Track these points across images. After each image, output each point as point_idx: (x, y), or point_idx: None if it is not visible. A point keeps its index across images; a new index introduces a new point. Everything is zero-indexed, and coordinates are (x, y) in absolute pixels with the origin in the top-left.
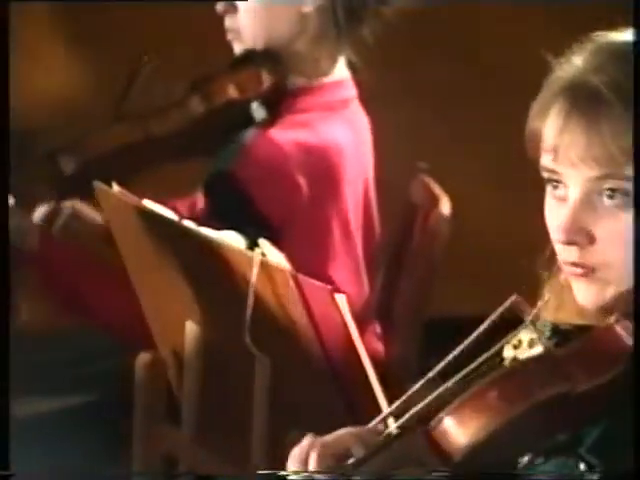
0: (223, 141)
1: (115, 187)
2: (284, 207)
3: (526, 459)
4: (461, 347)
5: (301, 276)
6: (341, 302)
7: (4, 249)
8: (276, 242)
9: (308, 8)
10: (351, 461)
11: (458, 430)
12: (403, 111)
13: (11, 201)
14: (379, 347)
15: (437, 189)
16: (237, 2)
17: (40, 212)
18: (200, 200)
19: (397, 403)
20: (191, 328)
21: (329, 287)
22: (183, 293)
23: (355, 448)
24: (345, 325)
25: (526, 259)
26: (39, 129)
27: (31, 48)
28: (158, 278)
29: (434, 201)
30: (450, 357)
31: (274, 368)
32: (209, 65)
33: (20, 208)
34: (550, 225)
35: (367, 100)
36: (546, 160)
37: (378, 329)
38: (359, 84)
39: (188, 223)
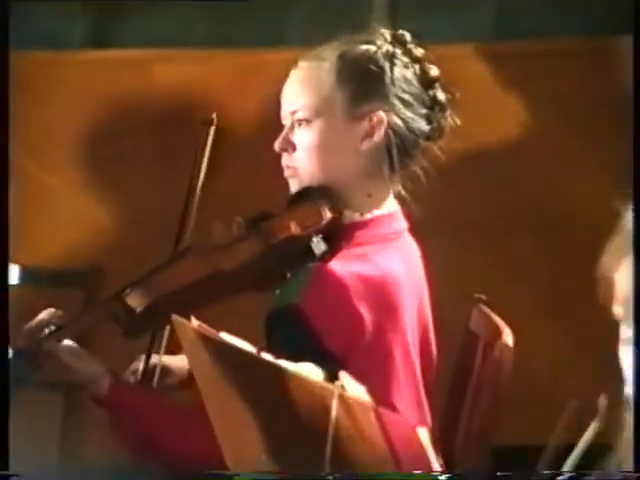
0: (283, 274)
1: (193, 320)
2: (347, 338)
3: None
4: None
5: (382, 409)
6: (423, 436)
7: None
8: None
9: (364, 147)
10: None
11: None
12: (452, 240)
13: (77, 344)
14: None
15: (498, 320)
16: (295, 141)
17: (133, 370)
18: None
19: None
20: (267, 462)
21: (411, 422)
22: (260, 424)
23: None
24: (427, 459)
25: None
26: (106, 267)
27: (94, 187)
28: (235, 408)
29: (496, 332)
30: None
31: None
32: (264, 200)
33: (87, 350)
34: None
35: (417, 231)
36: (618, 310)
37: (440, 460)
38: (408, 216)
39: (266, 355)
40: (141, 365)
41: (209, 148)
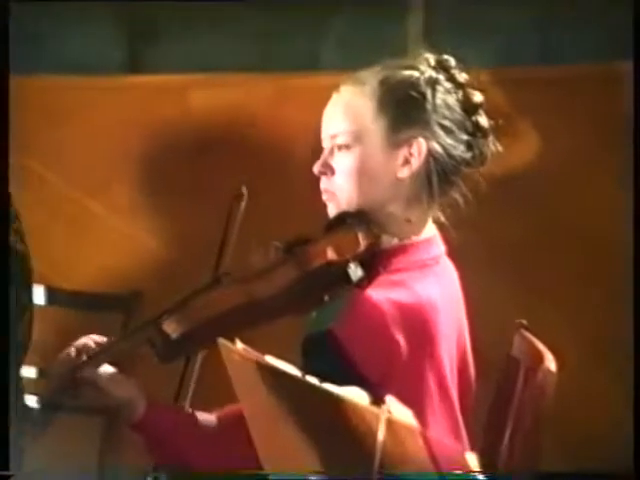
0: (321, 298)
1: (238, 343)
2: (382, 365)
3: None
4: None
5: (430, 434)
6: (472, 461)
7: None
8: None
9: (403, 174)
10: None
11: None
12: (490, 266)
13: (114, 368)
14: None
15: (540, 345)
16: (334, 165)
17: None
18: None
19: None
20: None
21: (460, 446)
22: (304, 447)
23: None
24: None
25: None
26: (145, 292)
27: (134, 212)
28: (279, 430)
29: (538, 357)
30: None
31: None
32: (302, 224)
33: (124, 374)
34: None
35: (455, 256)
36: None
37: None
38: (447, 240)
39: (311, 378)
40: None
41: (239, 221)
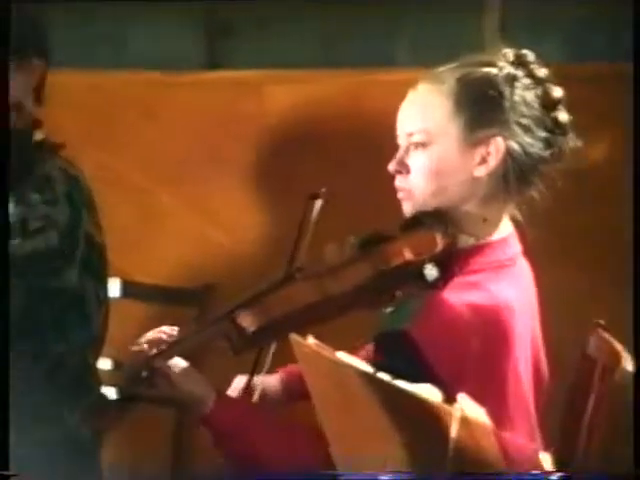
0: (393, 295)
1: (310, 338)
2: (457, 366)
3: None
4: None
5: (503, 433)
6: (546, 461)
7: None
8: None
9: (479, 173)
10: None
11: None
12: (564, 263)
13: (185, 362)
14: None
15: (617, 344)
16: (410, 164)
17: (237, 386)
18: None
19: None
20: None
21: (534, 446)
22: (376, 443)
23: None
24: None
25: None
26: (218, 286)
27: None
28: (351, 425)
29: (615, 357)
30: None
31: None
32: (376, 220)
33: (195, 369)
34: None
35: (531, 254)
36: None
37: None
38: (523, 239)
39: (383, 375)
40: (243, 382)
41: (313, 222)
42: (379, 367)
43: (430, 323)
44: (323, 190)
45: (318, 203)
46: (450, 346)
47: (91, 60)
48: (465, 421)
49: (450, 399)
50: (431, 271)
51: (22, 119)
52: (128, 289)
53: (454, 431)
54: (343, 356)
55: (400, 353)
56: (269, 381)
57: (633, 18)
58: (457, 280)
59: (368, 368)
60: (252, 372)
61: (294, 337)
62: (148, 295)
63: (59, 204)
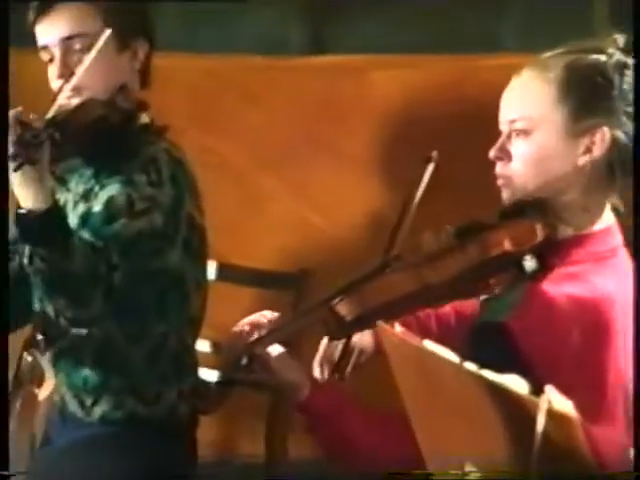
0: (487, 288)
1: (397, 327)
2: (552, 359)
3: None
4: None
5: (591, 427)
6: (633, 457)
7: None
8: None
9: (582, 162)
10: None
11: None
12: None
13: (283, 349)
14: None
15: None
16: (511, 151)
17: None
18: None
19: None
20: (470, 469)
21: (627, 442)
22: (462, 433)
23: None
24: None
25: None
26: (315, 271)
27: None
28: (437, 414)
29: None
30: None
31: None
32: (474, 208)
33: (292, 356)
34: None
35: (631, 245)
36: None
37: None
38: (624, 229)
39: (469, 365)
40: (336, 354)
41: (424, 185)
42: (475, 360)
43: (529, 315)
44: (434, 153)
45: (430, 166)
46: (549, 338)
47: (196, 44)
48: (552, 414)
49: (538, 391)
50: (530, 263)
51: (127, 101)
52: (224, 272)
53: (540, 424)
54: (429, 345)
55: (497, 346)
56: (365, 339)
57: (633, 19)
58: (557, 271)
59: (454, 357)
60: (340, 357)
61: (381, 325)
62: (243, 278)
63: (164, 186)
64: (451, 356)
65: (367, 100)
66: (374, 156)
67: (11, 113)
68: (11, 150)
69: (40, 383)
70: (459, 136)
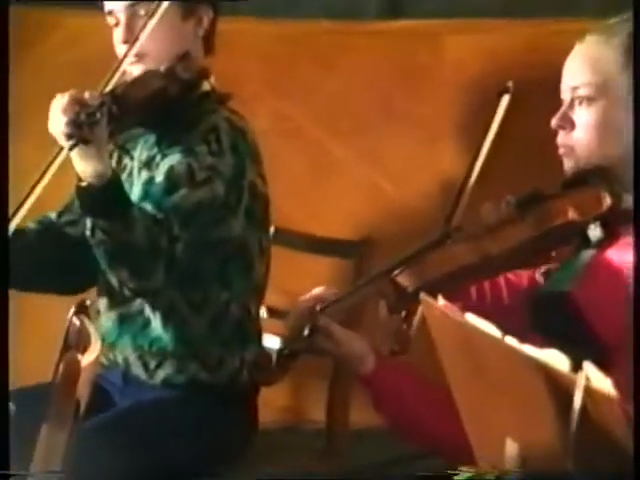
0: (548, 257)
1: (440, 300)
2: (619, 330)
3: None
4: None
5: (629, 407)
6: None
7: None
8: (606, 365)
9: None
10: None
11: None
12: None
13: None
14: None
15: None
16: (574, 119)
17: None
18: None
19: None
20: (511, 446)
21: None
22: (503, 409)
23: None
24: None
25: None
26: (378, 239)
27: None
28: (478, 392)
29: None
30: None
31: None
32: (535, 177)
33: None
34: None
35: None
36: None
37: None
38: None
39: (510, 340)
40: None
41: (500, 118)
42: (537, 330)
43: (593, 284)
44: (510, 83)
45: (505, 98)
46: (614, 307)
47: (271, 10)
48: (590, 391)
49: (576, 367)
50: (595, 231)
51: (187, 71)
52: (279, 237)
53: (577, 401)
54: (472, 318)
55: (561, 316)
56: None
57: (633, 18)
58: (622, 240)
59: (496, 332)
60: (400, 331)
61: (424, 297)
62: (300, 244)
63: (225, 155)
64: (493, 330)
65: (440, 66)
66: (446, 124)
67: (69, 93)
68: (65, 130)
69: (85, 349)
70: (533, 103)
